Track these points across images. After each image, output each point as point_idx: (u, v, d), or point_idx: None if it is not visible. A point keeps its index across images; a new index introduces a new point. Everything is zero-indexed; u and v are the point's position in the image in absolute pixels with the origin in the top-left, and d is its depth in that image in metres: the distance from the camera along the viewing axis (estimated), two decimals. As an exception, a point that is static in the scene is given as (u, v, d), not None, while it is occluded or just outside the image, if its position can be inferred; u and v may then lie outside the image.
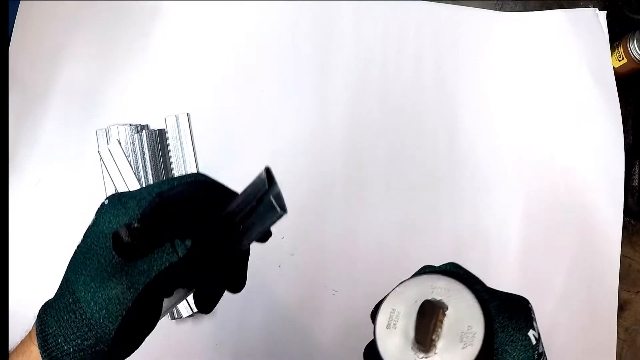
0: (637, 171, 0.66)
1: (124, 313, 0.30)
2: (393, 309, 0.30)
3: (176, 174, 0.61)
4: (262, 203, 0.30)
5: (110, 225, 0.31)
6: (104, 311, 0.30)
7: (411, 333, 0.29)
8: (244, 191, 0.32)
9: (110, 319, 0.30)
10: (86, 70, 0.63)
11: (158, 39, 0.65)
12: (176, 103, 0.63)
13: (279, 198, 0.30)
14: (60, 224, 0.61)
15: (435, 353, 0.29)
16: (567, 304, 0.63)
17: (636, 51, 0.62)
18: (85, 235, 0.32)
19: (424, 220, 0.63)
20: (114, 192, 0.33)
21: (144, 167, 0.61)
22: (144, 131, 0.62)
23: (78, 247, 0.32)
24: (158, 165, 0.61)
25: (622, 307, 0.65)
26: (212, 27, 0.65)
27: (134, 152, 0.61)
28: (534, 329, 0.31)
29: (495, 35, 0.67)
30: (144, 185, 0.35)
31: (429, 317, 0.29)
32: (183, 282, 0.32)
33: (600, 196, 0.64)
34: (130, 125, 0.62)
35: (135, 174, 0.61)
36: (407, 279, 0.32)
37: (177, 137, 0.62)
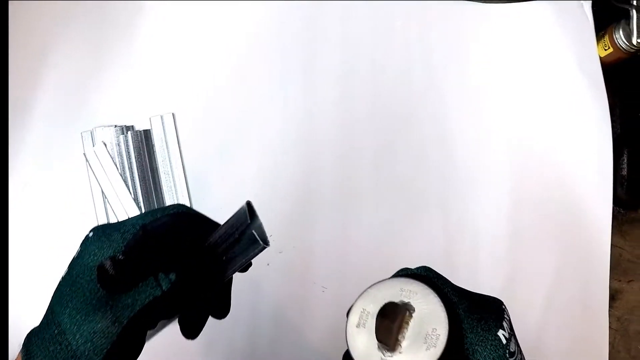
0: (625, 160, 0.65)
1: (109, 346, 0.30)
2: (364, 309, 0.32)
3: (162, 174, 0.61)
4: (244, 236, 0.31)
5: (95, 257, 0.32)
6: (89, 344, 0.30)
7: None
8: (226, 223, 0.33)
9: (96, 352, 0.30)
10: (70, 73, 0.63)
11: (141, 40, 0.64)
12: (161, 103, 0.63)
13: (261, 231, 0.31)
14: (47, 228, 0.60)
15: (400, 352, 0.30)
16: (559, 294, 0.62)
17: (622, 40, 0.62)
18: (70, 267, 0.33)
19: (414, 216, 0.62)
20: (97, 225, 0.34)
21: (130, 168, 0.61)
22: (129, 132, 0.61)
23: (63, 278, 0.33)
24: (144, 166, 0.61)
25: (613, 297, 0.65)
26: (196, 26, 0.65)
27: (120, 154, 0.61)
28: (503, 329, 0.32)
29: (481, 28, 0.67)
30: (129, 217, 0.36)
31: (390, 318, 0.30)
32: (167, 315, 0.33)
33: (589, 186, 0.64)
34: (116, 126, 0.62)
35: (121, 175, 0.61)
36: (381, 281, 0.33)
37: (163, 138, 0.62)
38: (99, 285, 0.31)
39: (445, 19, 0.67)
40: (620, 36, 0.62)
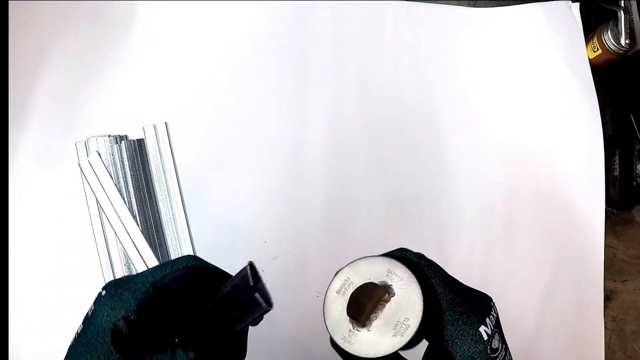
0: (617, 161, 0.66)
1: None
2: (347, 278, 0.32)
3: (156, 183, 0.61)
4: (249, 299, 0.31)
5: (109, 319, 0.32)
6: None
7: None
8: (230, 282, 0.33)
9: None
10: (63, 83, 0.63)
11: (133, 50, 0.65)
12: (154, 112, 0.63)
13: (264, 293, 0.31)
14: (43, 238, 0.61)
15: (368, 330, 0.31)
16: (553, 295, 0.63)
17: (610, 41, 0.62)
18: (85, 326, 0.33)
19: (407, 217, 0.63)
20: (110, 280, 0.35)
21: (124, 177, 0.61)
22: (122, 142, 0.62)
23: (78, 335, 0.33)
24: (138, 175, 0.61)
25: (608, 297, 0.65)
26: (188, 36, 0.65)
27: (114, 163, 0.62)
28: (486, 325, 0.32)
29: (471, 31, 0.67)
30: (138, 272, 0.36)
31: (366, 296, 0.31)
32: None
33: (582, 187, 0.64)
34: (109, 136, 0.62)
35: (115, 184, 0.61)
36: (374, 256, 0.34)
37: (156, 147, 0.62)
38: (112, 348, 0.31)
39: (435, 21, 0.67)
40: (608, 37, 0.62)
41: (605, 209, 0.64)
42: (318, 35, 0.66)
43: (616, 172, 0.66)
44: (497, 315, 0.34)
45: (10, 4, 0.61)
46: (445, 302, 0.33)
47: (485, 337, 0.32)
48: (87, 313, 0.33)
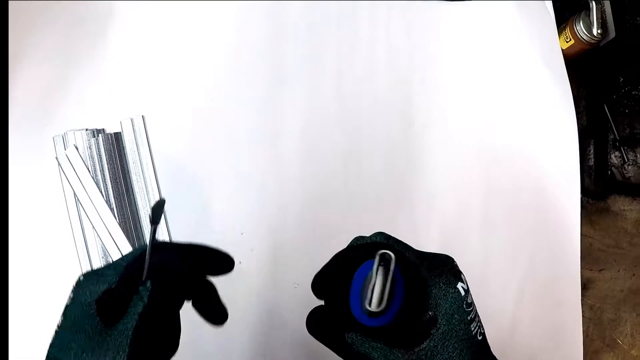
0: (592, 151, 0.66)
1: None
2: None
3: (133, 176, 0.62)
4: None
5: (92, 294, 0.34)
6: None
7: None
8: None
9: None
10: (40, 77, 0.64)
11: (110, 44, 0.65)
12: (131, 106, 0.63)
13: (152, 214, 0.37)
14: (19, 232, 0.61)
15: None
16: (531, 285, 0.63)
17: (582, 31, 0.63)
18: (65, 314, 0.34)
19: (383, 209, 0.63)
20: (86, 271, 0.37)
21: (102, 171, 0.62)
22: (100, 135, 0.62)
23: (59, 326, 0.34)
24: (115, 168, 0.62)
25: (585, 286, 0.65)
26: (165, 29, 0.66)
27: (91, 157, 0.62)
28: (462, 282, 0.35)
29: (446, 25, 0.68)
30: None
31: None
32: (164, 317, 0.37)
33: (558, 178, 0.65)
34: (87, 130, 0.62)
35: (93, 178, 0.61)
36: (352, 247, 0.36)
37: (133, 140, 0.62)
38: (98, 318, 0.32)
39: (410, 16, 0.68)
40: (581, 28, 0.63)
41: (581, 198, 0.65)
42: (294, 31, 0.66)
43: (591, 162, 0.66)
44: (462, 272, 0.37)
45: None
46: (424, 269, 0.34)
47: (463, 293, 0.34)
48: (66, 303, 0.35)
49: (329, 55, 0.66)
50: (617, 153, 0.66)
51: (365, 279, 0.34)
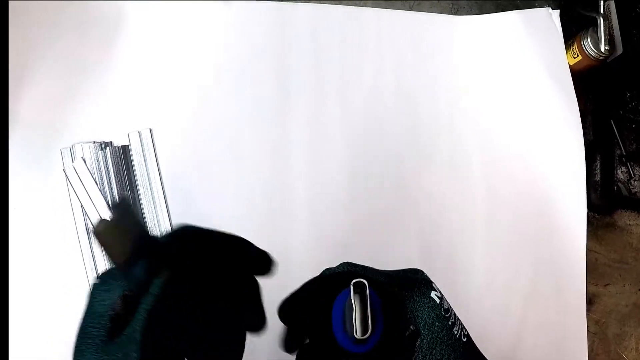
0: (598, 166, 0.66)
1: None
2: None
3: (141, 189, 0.62)
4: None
5: (104, 302, 0.31)
6: None
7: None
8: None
9: None
10: (48, 90, 0.64)
11: (118, 57, 0.65)
12: (139, 119, 0.64)
13: None
14: (26, 244, 0.61)
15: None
16: (536, 300, 0.63)
17: (590, 48, 0.63)
18: (82, 319, 0.32)
19: (388, 222, 0.63)
20: (104, 270, 0.33)
21: (109, 183, 0.62)
22: (107, 148, 0.62)
23: (77, 332, 0.32)
24: (123, 181, 0.62)
25: (591, 301, 0.65)
26: (173, 42, 0.66)
27: (99, 169, 0.62)
28: (435, 290, 0.36)
29: (452, 39, 0.68)
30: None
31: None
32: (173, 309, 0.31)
33: (564, 192, 0.65)
34: (94, 142, 0.62)
35: (100, 191, 0.62)
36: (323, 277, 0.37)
37: (141, 153, 0.62)
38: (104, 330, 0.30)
39: (416, 30, 0.68)
40: (588, 44, 0.63)
41: (587, 213, 0.65)
42: (299, 41, 0.67)
43: (597, 177, 0.66)
44: (433, 281, 0.38)
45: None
46: (395, 287, 0.35)
47: (438, 301, 0.35)
48: (84, 310, 0.33)
49: (334, 67, 0.66)
50: (623, 168, 0.66)
51: (345, 309, 0.35)
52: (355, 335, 0.32)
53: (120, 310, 0.30)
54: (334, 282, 0.37)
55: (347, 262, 0.38)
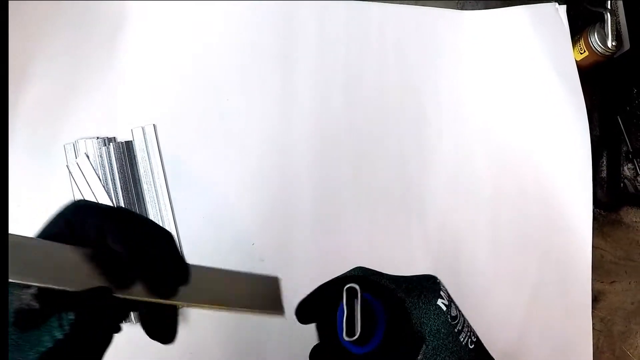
0: (604, 162, 0.66)
1: None
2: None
3: (144, 185, 0.62)
4: None
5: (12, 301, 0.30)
6: None
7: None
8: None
9: None
10: (51, 86, 0.64)
11: (121, 53, 0.65)
12: (142, 114, 0.63)
13: None
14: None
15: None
16: (541, 297, 0.63)
17: (597, 43, 0.62)
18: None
19: (393, 223, 0.63)
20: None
21: (113, 179, 0.61)
22: (111, 144, 0.62)
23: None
24: (126, 177, 0.62)
25: (596, 298, 0.65)
26: (176, 38, 0.66)
27: (102, 165, 0.62)
28: (442, 297, 0.36)
29: (458, 34, 0.67)
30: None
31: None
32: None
33: (570, 189, 0.65)
34: (98, 138, 0.62)
35: (104, 186, 0.61)
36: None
37: (144, 149, 0.62)
38: (13, 327, 0.29)
39: (421, 25, 0.67)
40: (595, 40, 0.63)
41: (593, 210, 0.64)
42: (304, 37, 0.66)
43: (603, 174, 0.66)
44: (446, 289, 0.38)
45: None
46: (402, 293, 0.35)
47: (444, 308, 0.35)
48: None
49: (339, 62, 0.66)
50: (629, 165, 0.65)
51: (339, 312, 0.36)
52: (344, 336, 0.33)
53: (25, 306, 0.30)
54: (340, 285, 0.37)
55: (360, 267, 0.39)
